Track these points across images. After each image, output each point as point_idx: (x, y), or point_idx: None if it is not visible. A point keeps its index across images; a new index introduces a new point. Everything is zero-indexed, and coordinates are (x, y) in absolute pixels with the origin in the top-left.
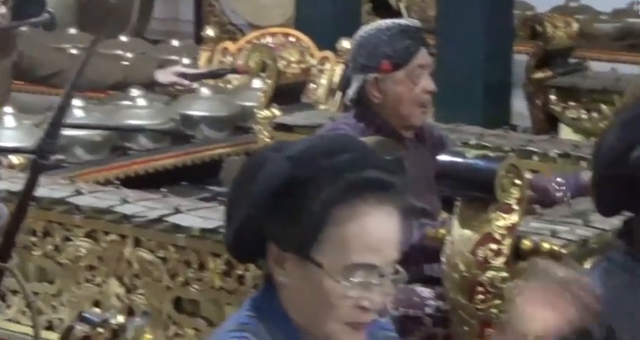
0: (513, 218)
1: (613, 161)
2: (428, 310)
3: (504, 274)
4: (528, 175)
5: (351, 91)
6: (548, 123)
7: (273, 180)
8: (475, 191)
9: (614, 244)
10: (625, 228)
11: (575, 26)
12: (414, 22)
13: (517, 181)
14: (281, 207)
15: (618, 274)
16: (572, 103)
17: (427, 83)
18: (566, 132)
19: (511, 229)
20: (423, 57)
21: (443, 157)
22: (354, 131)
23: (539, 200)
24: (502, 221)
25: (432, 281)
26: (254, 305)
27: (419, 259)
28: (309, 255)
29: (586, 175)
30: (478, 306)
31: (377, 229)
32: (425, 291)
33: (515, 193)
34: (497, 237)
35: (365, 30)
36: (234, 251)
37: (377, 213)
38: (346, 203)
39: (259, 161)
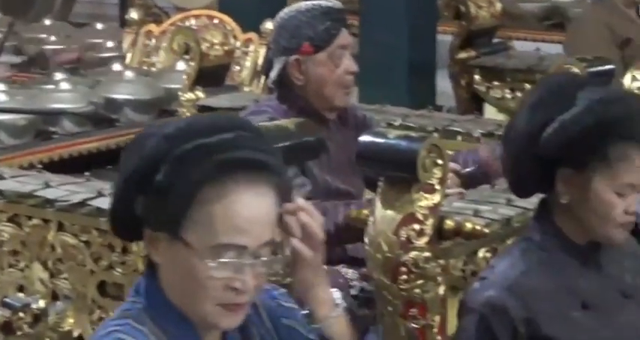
0: (436, 198)
1: (524, 143)
2: (353, 291)
3: (427, 254)
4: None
5: (273, 73)
6: (472, 102)
7: (145, 158)
8: (397, 171)
9: (532, 224)
10: (541, 209)
11: (499, 6)
12: (335, 3)
13: (439, 161)
14: (152, 185)
15: (536, 252)
16: (496, 83)
17: (349, 64)
18: (490, 112)
19: (433, 209)
20: (344, 38)
21: (365, 138)
22: (277, 113)
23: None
24: (424, 201)
25: (356, 262)
26: (137, 290)
27: (343, 240)
28: (179, 235)
29: (485, 150)
30: (402, 286)
31: (245, 209)
32: (349, 272)
33: (438, 173)
34: (420, 217)
35: (286, 12)
36: (115, 230)
37: (246, 193)
38: (215, 182)
39: (141, 138)
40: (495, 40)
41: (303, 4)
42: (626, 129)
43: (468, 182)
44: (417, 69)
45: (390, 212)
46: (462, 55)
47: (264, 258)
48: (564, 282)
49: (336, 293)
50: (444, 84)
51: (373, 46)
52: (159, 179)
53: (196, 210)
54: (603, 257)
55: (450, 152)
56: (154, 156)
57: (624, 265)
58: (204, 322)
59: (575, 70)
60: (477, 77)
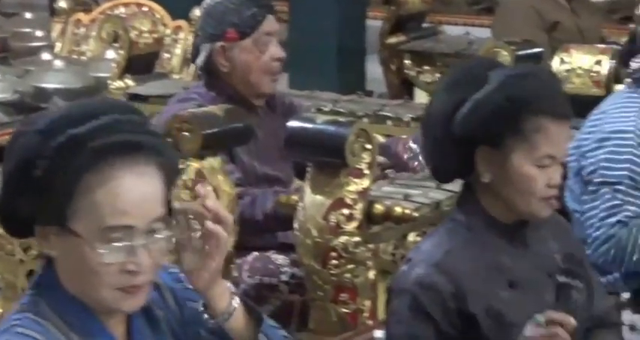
0: (365, 182)
1: (441, 125)
2: (283, 277)
3: (357, 239)
4: (382, 139)
5: (199, 60)
6: (403, 87)
7: (20, 158)
8: (326, 156)
9: (457, 205)
10: (465, 190)
11: None
12: None
13: (367, 146)
14: (31, 183)
15: (462, 232)
16: (426, 67)
17: (275, 50)
18: (421, 96)
19: (363, 194)
20: (269, 24)
21: (293, 123)
22: (205, 100)
23: (392, 165)
24: (353, 186)
25: (286, 248)
26: (36, 283)
27: (273, 227)
28: (66, 226)
29: (398, 142)
30: (332, 271)
31: (126, 192)
32: (280, 258)
33: (366, 158)
34: (349, 201)
35: None
36: (8, 229)
37: (125, 176)
38: (94, 170)
39: (15, 137)
40: (425, 25)
41: None
42: (538, 103)
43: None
44: (347, 54)
45: (319, 197)
46: (392, 40)
47: (159, 235)
48: (490, 261)
49: (231, 286)
50: (374, 69)
51: (303, 32)
52: (37, 175)
53: (80, 200)
54: (530, 236)
55: (381, 138)
56: (28, 154)
57: (552, 244)
58: (105, 307)
59: (504, 53)
60: (407, 62)
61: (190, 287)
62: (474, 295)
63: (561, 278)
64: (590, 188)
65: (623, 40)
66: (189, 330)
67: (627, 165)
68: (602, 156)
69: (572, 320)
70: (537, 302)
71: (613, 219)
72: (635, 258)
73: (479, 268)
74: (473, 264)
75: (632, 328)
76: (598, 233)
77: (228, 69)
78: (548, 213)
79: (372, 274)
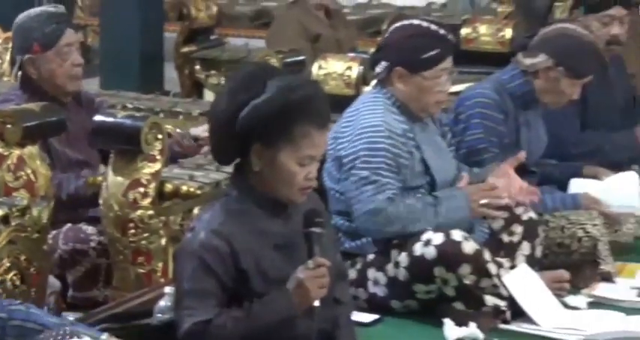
0: (157, 166)
1: (224, 122)
2: (92, 244)
3: (151, 212)
4: (179, 130)
5: (15, 69)
6: (194, 88)
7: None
8: (124, 145)
9: (230, 183)
10: (236, 171)
11: (215, 9)
12: (60, 9)
13: (159, 136)
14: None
15: (234, 205)
16: (213, 72)
17: (76, 58)
18: (209, 96)
19: (155, 175)
20: (69, 37)
21: (98, 117)
22: (21, 100)
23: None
24: (148, 169)
25: (94, 221)
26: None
27: (78, 204)
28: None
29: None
30: (131, 239)
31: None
32: (89, 229)
33: (158, 146)
34: (144, 182)
35: (20, 17)
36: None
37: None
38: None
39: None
40: (213, 37)
41: (32, 11)
42: (307, 113)
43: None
44: (148, 60)
45: (119, 178)
46: (185, 49)
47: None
48: (258, 228)
49: None
50: (170, 73)
51: (111, 41)
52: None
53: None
54: (291, 210)
55: (178, 129)
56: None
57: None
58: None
59: (274, 60)
60: (197, 67)
61: None
62: (245, 255)
63: (305, 230)
64: (355, 171)
65: (372, 50)
66: None
67: (383, 153)
68: (362, 146)
69: (327, 262)
70: (298, 261)
71: (383, 196)
72: (394, 229)
73: (248, 233)
74: (243, 230)
75: (376, 282)
76: (370, 207)
77: (37, 76)
78: (303, 200)
79: (163, 241)
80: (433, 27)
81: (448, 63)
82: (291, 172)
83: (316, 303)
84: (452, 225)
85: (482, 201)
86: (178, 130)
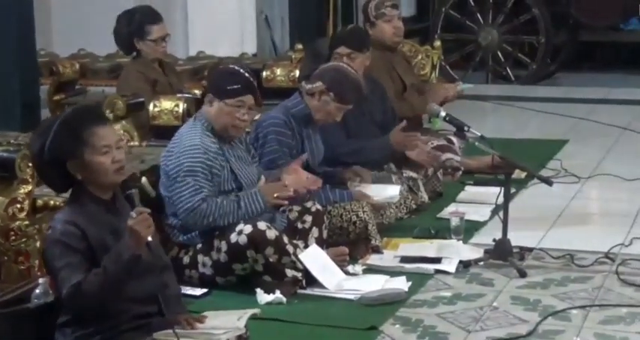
0: (29, 187)
1: (38, 161)
2: None
3: (27, 222)
4: None
5: None
6: None
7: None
8: (3, 172)
9: (72, 191)
10: (74, 185)
11: (77, 66)
12: None
13: (29, 164)
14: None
15: (76, 205)
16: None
17: None
18: None
19: (29, 194)
20: None
21: None
22: None
23: None
24: (23, 189)
25: None
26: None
27: None
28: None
29: None
30: (13, 243)
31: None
32: None
33: (29, 172)
34: (20, 199)
35: None
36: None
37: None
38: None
39: None
40: (77, 87)
41: None
42: (83, 121)
43: None
44: (28, 108)
45: (1, 198)
46: (56, 97)
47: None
48: (99, 220)
49: None
50: (46, 116)
51: None
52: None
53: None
54: (120, 207)
55: None
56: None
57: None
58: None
59: (119, 102)
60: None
61: None
62: (92, 237)
63: (124, 194)
64: (179, 179)
65: (197, 91)
66: None
67: (200, 165)
68: (184, 161)
69: (147, 210)
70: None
71: (198, 197)
72: (208, 221)
73: (91, 224)
74: (87, 222)
75: (204, 265)
76: (188, 205)
77: None
78: (122, 178)
79: (38, 244)
80: (240, 69)
81: (248, 99)
82: (100, 162)
83: (149, 238)
84: (256, 217)
85: (275, 195)
86: None
